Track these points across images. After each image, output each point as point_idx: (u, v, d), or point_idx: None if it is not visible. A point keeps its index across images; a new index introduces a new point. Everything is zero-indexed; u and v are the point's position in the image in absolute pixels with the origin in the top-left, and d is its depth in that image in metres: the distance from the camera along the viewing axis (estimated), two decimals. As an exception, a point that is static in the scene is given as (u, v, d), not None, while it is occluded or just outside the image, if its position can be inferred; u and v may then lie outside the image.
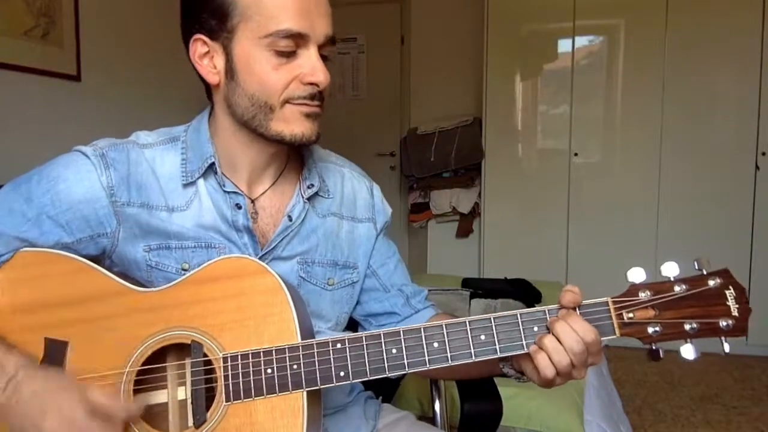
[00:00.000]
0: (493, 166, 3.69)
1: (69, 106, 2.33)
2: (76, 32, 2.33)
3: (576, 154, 3.53)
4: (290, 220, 0.88)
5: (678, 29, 3.28)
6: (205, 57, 0.83)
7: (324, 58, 0.82)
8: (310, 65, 0.80)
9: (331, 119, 3.99)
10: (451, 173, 3.83)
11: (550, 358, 0.71)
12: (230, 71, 0.81)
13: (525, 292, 2.40)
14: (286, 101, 0.81)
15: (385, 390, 1.15)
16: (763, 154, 3.22)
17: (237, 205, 0.86)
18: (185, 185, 0.85)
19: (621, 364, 3.08)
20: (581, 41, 3.51)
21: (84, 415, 0.69)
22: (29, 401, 0.70)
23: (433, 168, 3.82)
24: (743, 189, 3.26)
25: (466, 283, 2.59)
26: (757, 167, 3.24)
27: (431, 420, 1.32)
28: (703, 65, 3.27)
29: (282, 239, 0.88)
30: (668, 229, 3.36)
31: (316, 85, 0.80)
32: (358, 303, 0.99)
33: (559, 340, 0.71)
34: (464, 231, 3.92)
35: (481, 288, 2.47)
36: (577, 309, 0.73)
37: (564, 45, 3.52)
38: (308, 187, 0.90)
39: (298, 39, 0.79)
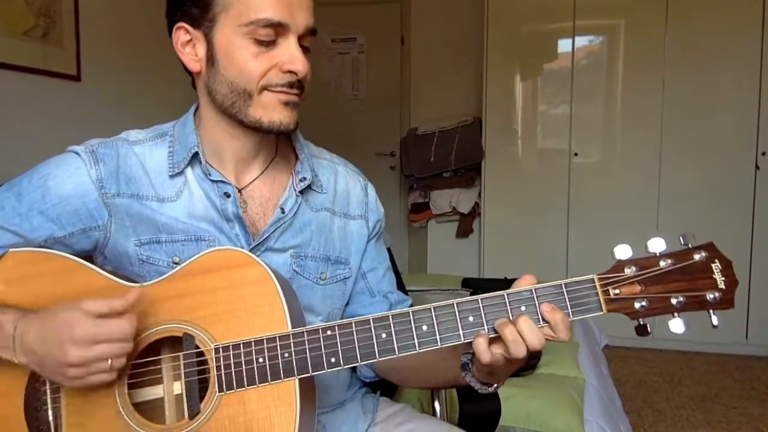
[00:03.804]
0: (493, 166, 3.69)
1: (69, 105, 2.34)
2: (76, 32, 2.34)
3: (576, 154, 3.53)
4: (282, 212, 0.89)
5: (678, 29, 3.28)
6: (188, 45, 0.85)
7: (304, 49, 0.83)
8: (289, 54, 0.81)
9: (331, 119, 4.00)
10: (451, 173, 3.83)
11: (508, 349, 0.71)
12: (211, 59, 0.83)
13: (525, 292, 2.39)
14: (264, 88, 0.82)
15: (385, 389, 1.15)
16: (763, 154, 3.22)
17: (225, 193, 0.87)
18: (172, 176, 0.87)
19: (621, 364, 3.08)
20: (581, 41, 3.51)
21: (95, 324, 0.71)
22: (42, 344, 0.72)
23: (433, 168, 3.82)
24: (743, 189, 3.26)
25: (466, 283, 2.59)
26: (757, 167, 3.24)
27: (430, 419, 1.32)
28: (703, 65, 3.27)
29: (274, 231, 0.89)
30: (668, 229, 3.34)
31: (295, 73, 0.82)
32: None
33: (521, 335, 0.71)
34: (464, 231, 3.92)
35: (481, 288, 2.47)
36: (564, 287, 0.73)
37: (564, 45, 3.52)
38: (300, 181, 0.91)
39: (278, 28, 0.80)
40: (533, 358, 1.83)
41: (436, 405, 1.32)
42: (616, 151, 3.52)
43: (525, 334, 0.70)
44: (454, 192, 3.85)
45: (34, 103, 2.19)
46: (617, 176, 3.49)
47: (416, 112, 4.14)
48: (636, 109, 3.41)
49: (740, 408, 2.67)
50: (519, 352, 0.71)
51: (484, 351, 0.72)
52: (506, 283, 2.60)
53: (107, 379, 0.73)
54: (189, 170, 0.87)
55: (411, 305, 1.02)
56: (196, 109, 0.91)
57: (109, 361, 0.71)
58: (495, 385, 0.81)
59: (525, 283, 0.74)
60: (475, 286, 2.52)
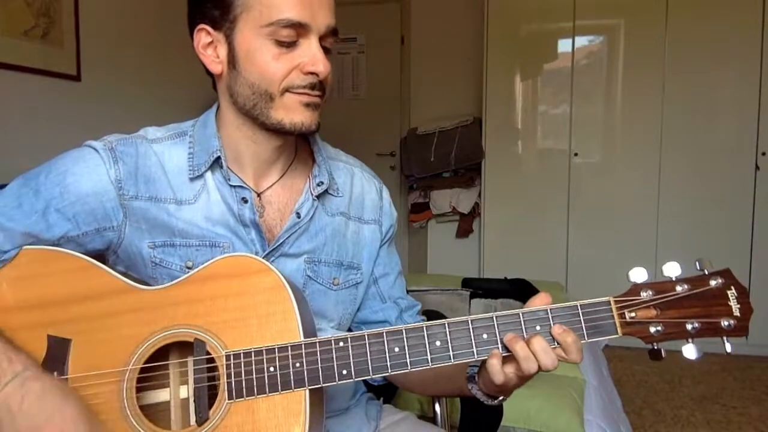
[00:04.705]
0: (493, 166, 3.69)
1: (69, 106, 2.33)
2: (76, 32, 2.33)
3: (576, 154, 3.53)
4: (298, 217, 0.89)
5: (678, 29, 3.28)
6: (209, 47, 0.84)
7: (325, 50, 0.82)
8: (310, 55, 0.80)
9: (331, 119, 4.00)
10: (451, 173, 3.83)
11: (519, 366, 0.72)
12: (232, 60, 0.82)
13: (525, 292, 2.40)
14: (286, 90, 0.81)
15: (385, 390, 1.15)
16: (763, 154, 3.22)
17: (243, 198, 0.86)
18: (192, 179, 0.86)
19: (621, 364, 3.08)
20: (581, 41, 3.51)
21: (86, 426, 0.69)
22: (35, 401, 0.69)
23: (433, 168, 3.82)
24: (743, 189, 3.27)
25: (466, 283, 2.59)
26: (757, 167, 3.24)
27: (431, 420, 1.32)
28: (703, 65, 3.27)
29: (289, 236, 0.88)
30: (668, 229, 3.36)
31: (316, 74, 0.81)
32: None
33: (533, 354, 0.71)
34: (464, 231, 3.93)
35: (481, 288, 2.47)
36: (579, 308, 0.73)
37: (564, 45, 3.52)
38: (318, 185, 0.91)
39: (299, 29, 0.79)
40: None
41: (437, 406, 1.32)
42: (616, 151, 3.52)
43: (538, 355, 0.70)
44: (454, 192, 3.85)
45: (34, 103, 2.18)
46: (617, 176, 3.49)
47: (416, 112, 4.14)
48: (636, 109, 3.41)
49: (740, 408, 2.67)
50: (531, 368, 0.71)
51: (498, 372, 0.72)
52: (506, 283, 2.60)
53: None
54: (209, 174, 0.87)
55: (420, 310, 1.02)
56: (217, 110, 0.90)
57: None
58: (501, 397, 0.81)
59: (539, 302, 0.74)
60: (475, 286, 2.52)
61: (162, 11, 2.67)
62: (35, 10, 2.15)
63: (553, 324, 0.72)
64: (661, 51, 3.32)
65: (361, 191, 0.98)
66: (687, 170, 3.34)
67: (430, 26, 4.08)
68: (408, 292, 1.15)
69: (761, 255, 3.24)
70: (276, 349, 0.74)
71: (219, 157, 0.86)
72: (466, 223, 3.91)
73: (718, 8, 3.22)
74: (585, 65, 3.52)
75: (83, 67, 2.38)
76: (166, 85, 2.80)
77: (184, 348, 0.78)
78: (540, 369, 0.71)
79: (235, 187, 0.86)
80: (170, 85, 2.77)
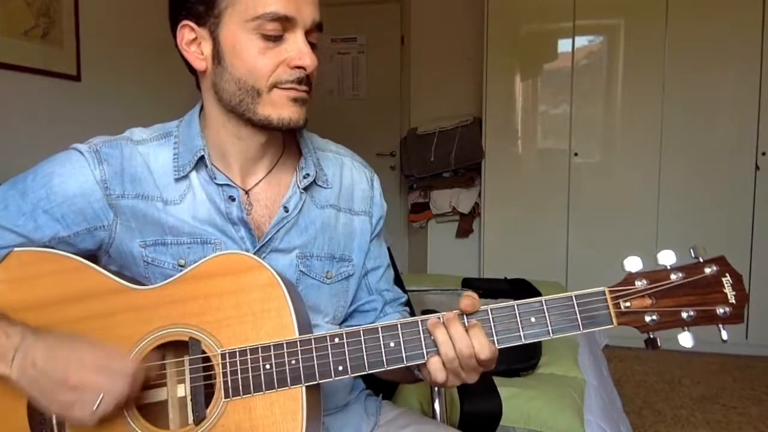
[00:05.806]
0: (493, 166, 3.69)
1: (69, 106, 2.33)
2: (76, 32, 2.34)
3: (576, 154, 3.53)
4: (286, 211, 0.88)
5: (678, 29, 3.28)
6: (193, 43, 0.84)
7: (311, 45, 0.82)
8: (297, 49, 0.80)
9: (331, 119, 4.03)
10: (451, 173, 3.83)
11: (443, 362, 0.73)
12: (217, 56, 0.82)
13: (525, 292, 2.40)
14: (274, 85, 0.81)
15: (385, 389, 1.15)
16: (763, 154, 3.22)
17: (230, 197, 0.86)
18: (177, 179, 0.86)
19: (621, 364, 3.08)
20: (581, 41, 3.51)
21: (105, 356, 0.71)
22: (47, 359, 0.71)
23: (433, 168, 3.82)
24: (743, 189, 3.26)
25: (466, 283, 2.59)
26: (757, 167, 3.24)
27: (431, 420, 1.32)
28: (703, 65, 3.27)
29: (278, 230, 0.88)
30: (668, 229, 3.36)
31: (303, 68, 0.81)
32: None
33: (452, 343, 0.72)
34: (464, 231, 3.92)
35: (480, 288, 2.47)
36: (574, 299, 0.72)
37: (564, 45, 3.52)
38: (304, 177, 0.90)
39: (285, 23, 0.79)
40: (532, 359, 1.83)
41: (436, 406, 1.32)
42: (616, 151, 3.52)
43: (455, 340, 0.72)
44: (454, 192, 3.85)
45: (34, 103, 2.19)
46: (617, 176, 3.49)
47: (416, 112, 4.14)
48: (636, 109, 3.41)
49: (740, 408, 2.67)
50: (448, 352, 0.72)
51: (439, 370, 0.73)
52: (507, 283, 2.60)
53: (86, 419, 0.71)
54: (194, 173, 0.86)
55: (407, 302, 1.03)
56: (201, 109, 0.90)
57: (100, 397, 0.70)
58: None
59: (466, 303, 0.74)
60: (475, 286, 2.52)
61: (162, 11, 2.65)
62: (35, 10, 2.15)
63: (549, 315, 0.72)
64: (661, 51, 3.31)
65: (351, 182, 0.97)
66: (687, 170, 3.34)
67: (430, 26, 4.08)
68: (408, 292, 1.15)
69: (761, 255, 3.24)
70: (272, 347, 0.74)
71: (203, 156, 0.86)
72: (466, 223, 3.91)
73: (718, 8, 3.22)
74: (585, 65, 3.52)
75: (83, 67, 2.38)
76: (166, 85, 2.79)
77: (179, 347, 0.78)
78: (458, 356, 0.72)
79: (221, 185, 0.86)
80: (170, 85, 2.76)
